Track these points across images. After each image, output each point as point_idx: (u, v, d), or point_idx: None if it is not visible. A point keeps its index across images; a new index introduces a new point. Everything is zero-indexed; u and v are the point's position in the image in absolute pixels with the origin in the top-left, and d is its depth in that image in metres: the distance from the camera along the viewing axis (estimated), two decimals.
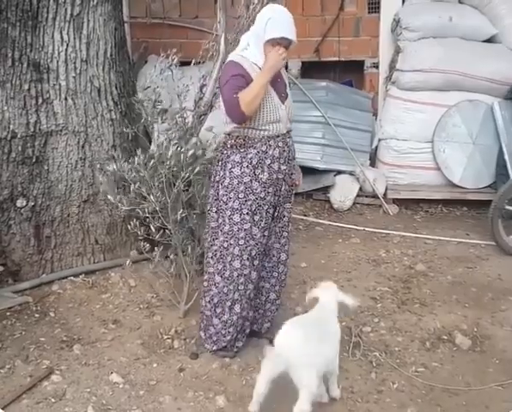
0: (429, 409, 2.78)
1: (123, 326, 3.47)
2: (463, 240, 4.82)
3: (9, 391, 2.83)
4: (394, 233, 4.97)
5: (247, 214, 2.94)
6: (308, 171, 5.58)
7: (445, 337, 3.38)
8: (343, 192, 5.61)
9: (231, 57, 2.98)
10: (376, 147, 5.96)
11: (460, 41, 5.71)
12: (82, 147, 4.02)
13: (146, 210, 3.38)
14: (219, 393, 2.86)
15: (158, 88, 3.88)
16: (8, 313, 3.54)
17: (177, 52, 4.05)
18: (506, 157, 5.35)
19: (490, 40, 5.78)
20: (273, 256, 3.16)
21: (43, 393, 2.84)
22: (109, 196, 3.59)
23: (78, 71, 3.95)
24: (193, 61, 4.22)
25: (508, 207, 4.53)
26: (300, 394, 2.48)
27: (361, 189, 5.70)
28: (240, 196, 2.94)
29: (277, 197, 3.03)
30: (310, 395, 2.49)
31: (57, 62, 3.89)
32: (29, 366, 3.04)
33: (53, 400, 2.78)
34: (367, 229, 5.06)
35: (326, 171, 5.71)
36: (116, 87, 4.17)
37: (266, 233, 3.05)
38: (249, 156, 2.92)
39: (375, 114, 6.15)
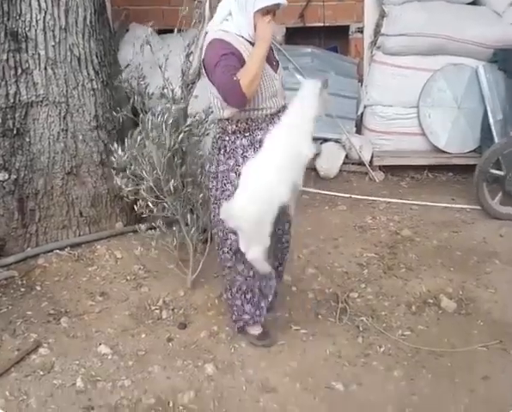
0: (415, 371, 2.83)
1: (110, 298, 3.47)
2: (448, 205, 4.84)
3: None
4: (380, 199, 4.97)
5: None
6: None
7: (431, 301, 3.42)
8: (329, 160, 5.59)
9: (212, 34, 2.65)
10: (362, 113, 5.92)
11: (444, 4, 5.63)
12: (64, 118, 3.94)
13: (143, 188, 3.33)
14: (208, 361, 2.89)
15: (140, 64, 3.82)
16: None
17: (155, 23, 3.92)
18: (491, 121, 5.34)
19: (474, 3, 5.72)
20: (278, 229, 2.96)
21: (31, 366, 2.84)
22: (118, 180, 3.50)
23: (57, 40, 3.85)
24: (175, 30, 4.12)
25: (492, 171, 4.55)
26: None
27: (347, 156, 5.68)
28: None
29: None
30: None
31: (36, 30, 3.78)
32: (17, 340, 3.03)
33: (42, 373, 2.78)
34: (353, 196, 5.06)
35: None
36: (97, 56, 4.07)
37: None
38: (257, 138, 2.70)
39: (361, 80, 6.10)
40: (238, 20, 2.61)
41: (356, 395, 2.69)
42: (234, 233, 2.78)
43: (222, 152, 2.78)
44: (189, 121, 3.52)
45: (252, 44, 2.63)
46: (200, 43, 3.73)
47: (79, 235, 4.06)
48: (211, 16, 3.74)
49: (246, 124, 2.71)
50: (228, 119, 2.72)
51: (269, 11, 2.59)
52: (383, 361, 2.91)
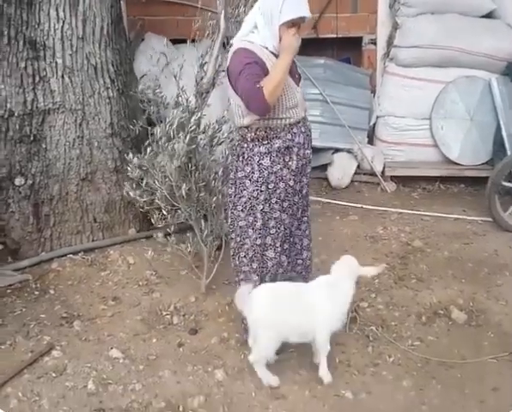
0: (424, 382, 2.83)
1: (122, 303, 3.51)
2: (460, 217, 4.83)
3: (10, 367, 2.87)
4: (392, 210, 4.98)
5: (276, 202, 2.86)
6: None
7: (441, 312, 3.42)
8: (341, 170, 5.62)
9: (238, 43, 2.75)
10: (374, 124, 5.94)
11: (458, 17, 5.65)
12: (80, 125, 4.02)
13: (157, 197, 3.39)
14: (218, 367, 2.91)
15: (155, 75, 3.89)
16: (8, 291, 3.58)
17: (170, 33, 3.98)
18: (503, 133, 5.35)
19: (488, 16, 5.73)
20: (296, 243, 3.07)
21: (44, 368, 2.88)
22: (130, 192, 3.64)
23: (75, 49, 3.94)
24: (189, 41, 4.18)
25: (505, 183, 4.54)
26: (254, 345, 2.73)
27: (359, 166, 5.70)
28: (270, 186, 2.83)
29: (302, 184, 2.95)
30: (262, 349, 2.70)
31: (54, 39, 3.87)
32: (30, 342, 3.08)
33: (54, 375, 2.83)
34: (365, 206, 5.08)
35: (323, 149, 5.70)
36: (113, 65, 4.15)
37: (294, 220, 2.99)
38: (276, 146, 2.78)
39: (373, 91, 6.12)
40: (263, 32, 2.69)
41: (365, 403, 2.69)
42: (251, 238, 2.88)
43: (240, 159, 2.87)
44: (192, 120, 3.54)
45: (277, 56, 2.71)
46: (215, 53, 3.80)
47: (92, 240, 4.12)
48: (226, 27, 3.84)
49: (265, 132, 2.78)
50: (247, 127, 2.80)
51: (294, 24, 2.66)
52: (393, 371, 2.92)
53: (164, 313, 3.40)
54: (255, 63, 2.64)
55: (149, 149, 3.44)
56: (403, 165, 5.68)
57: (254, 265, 2.95)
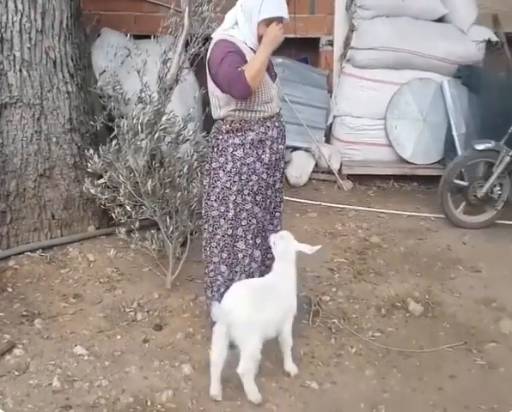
0: (385, 371, 2.93)
1: (84, 300, 3.46)
2: (414, 214, 5.00)
3: None
4: (349, 207, 5.10)
5: (248, 194, 2.93)
6: None
7: (399, 304, 3.53)
8: (299, 168, 5.70)
9: (219, 35, 2.86)
10: (331, 123, 6.06)
11: (411, 20, 5.84)
12: (38, 120, 3.93)
13: (121, 193, 3.37)
14: (185, 362, 2.92)
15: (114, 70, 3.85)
16: None
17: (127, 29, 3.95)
18: (454, 134, 5.57)
19: (440, 20, 5.95)
20: (267, 238, 3.07)
21: (6, 367, 2.82)
22: (91, 189, 3.60)
23: (33, 42, 3.85)
24: (153, 36, 4.16)
25: (456, 181, 4.73)
26: (241, 354, 2.60)
27: (316, 165, 5.80)
28: (243, 177, 2.91)
29: (275, 178, 3.02)
30: (251, 355, 2.59)
31: (12, 32, 3.78)
32: None
33: (17, 373, 2.77)
34: (323, 204, 5.17)
35: None
36: (72, 59, 4.09)
37: (266, 214, 3.05)
38: (249, 138, 2.87)
39: (330, 91, 6.24)
40: (243, 28, 2.81)
41: (330, 393, 2.76)
42: (223, 229, 2.93)
43: (215, 150, 2.95)
44: (163, 120, 3.55)
45: (255, 52, 2.80)
46: (179, 50, 3.80)
47: (51, 238, 4.04)
48: (190, 24, 3.85)
49: (240, 124, 2.87)
50: (223, 119, 2.90)
51: (272, 22, 2.75)
52: (355, 361, 3.00)
53: (127, 310, 3.37)
54: (236, 53, 2.76)
55: (114, 142, 3.41)
56: (359, 163, 5.83)
57: (224, 255, 3.01)
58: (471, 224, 4.72)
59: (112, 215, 3.61)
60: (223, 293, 2.90)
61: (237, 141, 2.88)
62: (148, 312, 3.37)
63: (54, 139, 4.00)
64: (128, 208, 3.39)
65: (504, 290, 3.68)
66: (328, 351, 3.07)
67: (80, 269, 3.77)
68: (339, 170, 5.76)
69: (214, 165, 2.95)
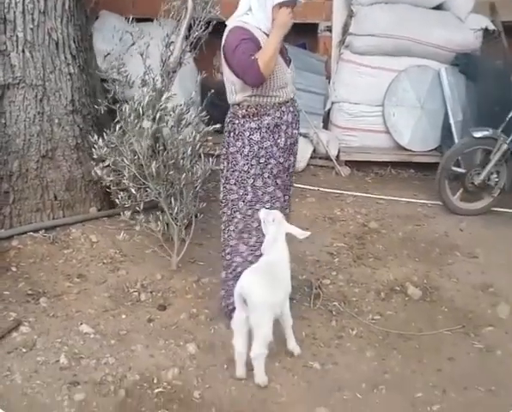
0: (385, 352, 3.00)
1: (88, 280, 3.50)
2: (411, 200, 5.07)
3: None
4: (348, 193, 5.16)
5: (269, 177, 2.95)
6: None
7: (398, 288, 3.60)
8: (297, 154, 5.72)
9: (233, 22, 2.87)
10: (329, 109, 6.09)
11: (410, 8, 5.87)
12: (40, 101, 3.94)
13: (125, 177, 3.39)
14: (189, 341, 2.97)
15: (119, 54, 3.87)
16: None
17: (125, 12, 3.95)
18: (451, 121, 5.63)
19: (438, 7, 5.98)
20: None
21: (13, 344, 2.85)
22: (98, 171, 3.63)
23: (36, 23, 3.85)
24: (155, 19, 4.18)
25: (454, 168, 4.79)
26: (255, 338, 2.64)
27: (314, 151, 5.84)
28: (261, 160, 2.92)
29: (289, 162, 3.05)
30: (265, 339, 2.65)
31: (15, 13, 3.78)
32: None
33: (24, 350, 2.80)
34: (321, 189, 5.23)
35: None
36: (74, 41, 4.09)
37: (286, 198, 3.09)
38: (265, 122, 2.89)
39: (328, 77, 6.27)
40: (257, 14, 2.81)
41: (332, 373, 2.82)
42: (242, 210, 2.96)
43: (231, 135, 2.97)
44: (163, 100, 3.56)
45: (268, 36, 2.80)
46: (182, 33, 3.81)
47: (53, 218, 4.05)
48: (193, 8, 3.86)
49: (256, 109, 2.89)
50: (239, 104, 2.92)
51: (287, 5, 2.78)
52: (356, 343, 3.06)
53: (131, 290, 3.41)
54: (250, 40, 2.78)
55: (118, 126, 3.43)
56: (357, 150, 5.88)
57: (244, 235, 3.02)
58: (468, 211, 4.79)
59: (116, 199, 3.63)
60: (240, 272, 2.90)
61: (253, 125, 2.90)
62: (151, 292, 3.41)
63: (56, 120, 4.01)
64: (133, 190, 3.42)
65: (501, 276, 3.75)
66: (329, 333, 3.13)
67: (83, 250, 3.79)
68: (337, 156, 5.80)
69: (231, 149, 2.97)
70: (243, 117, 2.92)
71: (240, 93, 2.88)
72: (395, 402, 2.65)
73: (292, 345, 2.91)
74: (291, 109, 2.99)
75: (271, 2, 2.77)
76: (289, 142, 3.00)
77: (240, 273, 2.84)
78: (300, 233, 2.90)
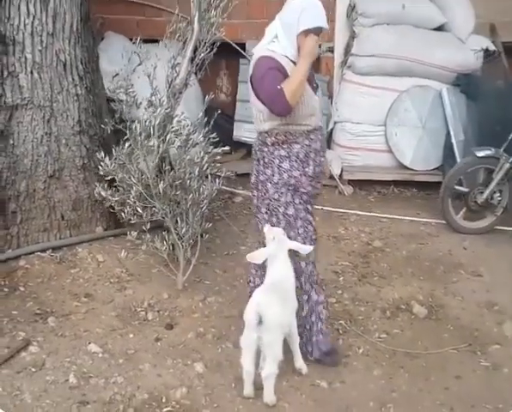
0: (393, 371, 3.01)
1: (95, 300, 3.51)
2: (415, 219, 5.10)
3: None
4: (351, 211, 5.19)
5: (300, 203, 2.92)
6: None
7: (403, 307, 3.62)
8: None
9: (259, 51, 2.85)
10: (332, 129, 6.15)
11: (412, 28, 5.96)
12: (48, 121, 3.99)
13: (132, 195, 3.43)
14: (197, 360, 2.98)
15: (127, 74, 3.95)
16: None
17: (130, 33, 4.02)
18: (453, 141, 5.68)
19: (439, 28, 6.07)
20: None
21: (22, 364, 2.86)
22: (102, 192, 3.66)
23: (44, 45, 3.92)
24: (161, 41, 4.25)
25: (457, 187, 4.83)
26: (267, 357, 2.64)
27: None
28: (291, 188, 2.89)
29: (316, 190, 3.01)
30: (277, 358, 2.66)
31: (24, 34, 3.85)
32: (5, 339, 3.05)
33: (33, 369, 2.82)
34: (325, 208, 5.25)
35: None
36: (81, 62, 4.15)
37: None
38: (295, 150, 2.85)
39: (331, 97, 6.34)
40: (283, 41, 2.79)
41: (340, 392, 2.83)
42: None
43: (261, 162, 2.93)
44: (175, 122, 3.62)
45: (296, 64, 2.78)
46: (188, 54, 3.87)
47: (60, 238, 4.08)
48: (199, 29, 3.92)
49: (285, 136, 2.85)
50: (267, 132, 2.87)
51: (313, 34, 2.75)
52: (363, 362, 3.08)
53: (138, 309, 3.43)
54: (277, 70, 2.75)
55: (127, 144, 3.48)
56: (360, 169, 5.92)
57: None
58: (471, 229, 4.82)
59: (122, 215, 3.65)
60: None
61: (283, 152, 2.86)
62: (158, 311, 3.43)
63: (64, 141, 4.06)
64: (139, 209, 3.45)
65: (506, 294, 3.77)
66: None
67: (90, 270, 3.82)
68: (340, 175, 5.84)
69: (261, 177, 2.92)
70: (272, 144, 2.87)
71: (269, 121, 2.84)
72: None
73: (300, 363, 2.92)
74: (319, 137, 2.93)
75: (295, 29, 2.74)
76: (317, 170, 2.93)
77: None
78: (303, 249, 2.90)
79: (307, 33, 2.74)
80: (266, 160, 2.90)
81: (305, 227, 2.97)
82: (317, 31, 2.77)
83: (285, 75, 2.75)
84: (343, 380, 2.92)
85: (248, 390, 2.72)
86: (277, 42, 2.81)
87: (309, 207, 2.98)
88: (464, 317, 3.53)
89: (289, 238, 2.90)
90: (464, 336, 3.33)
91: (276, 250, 2.85)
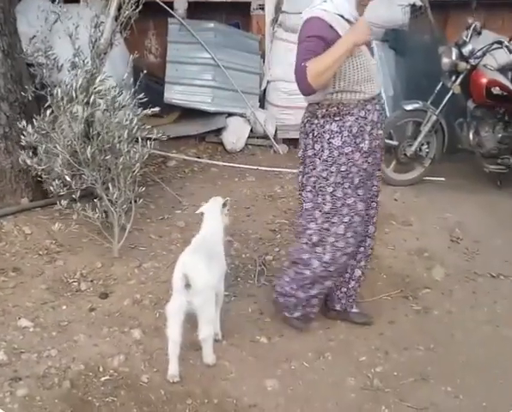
0: (330, 322, 3.07)
1: (24, 273, 3.37)
2: None
3: None
4: (286, 170, 5.20)
5: (349, 187, 2.65)
6: (199, 113, 5.66)
7: None
8: (235, 134, 5.73)
9: (311, 12, 2.52)
10: (265, 89, 6.10)
11: None
12: None
13: (58, 164, 3.27)
14: (134, 327, 2.93)
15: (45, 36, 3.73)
16: None
17: None
18: (383, 96, 5.74)
19: None
20: (361, 233, 2.84)
21: None
22: (27, 160, 3.47)
23: None
24: (81, 0, 4.04)
25: (387, 141, 4.90)
26: (201, 320, 2.56)
27: (252, 130, 5.85)
28: (342, 169, 2.62)
29: (374, 166, 2.72)
30: (211, 319, 2.62)
31: None
32: None
33: None
34: (260, 168, 5.25)
35: (217, 113, 5.78)
36: None
37: (371, 213, 2.86)
38: (348, 124, 2.58)
39: (263, 56, 6.26)
40: (338, 0, 2.53)
41: (280, 345, 2.87)
42: (318, 221, 2.72)
43: (310, 136, 2.69)
44: (97, 82, 3.46)
45: (351, 23, 2.54)
46: (112, 13, 3.70)
47: None
48: None
49: (337, 108, 2.59)
50: (318, 103, 2.63)
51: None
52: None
53: (70, 280, 3.32)
54: (317, 38, 2.45)
55: (48, 111, 3.31)
56: (294, 128, 5.89)
57: (319, 249, 2.75)
58: (401, 181, 4.94)
59: (51, 187, 3.50)
60: (309, 288, 2.83)
61: (334, 127, 2.59)
62: (92, 281, 3.33)
63: None
64: (67, 178, 3.31)
65: (434, 241, 3.93)
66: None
67: (16, 243, 3.65)
68: (275, 134, 5.83)
69: (309, 152, 2.69)
70: (323, 117, 2.61)
71: (320, 90, 2.53)
72: (341, 366, 2.74)
73: (217, 327, 2.84)
74: (377, 107, 2.65)
75: None
76: (373, 144, 2.66)
77: (310, 285, 2.80)
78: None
79: None
80: (315, 133, 2.64)
81: (350, 216, 2.70)
82: None
83: (333, 41, 2.44)
84: (282, 334, 2.95)
85: (173, 369, 2.55)
86: (329, 1, 2.52)
87: (360, 192, 2.69)
88: (396, 265, 3.64)
89: (333, 223, 2.70)
90: (396, 282, 3.44)
91: (207, 208, 2.84)
